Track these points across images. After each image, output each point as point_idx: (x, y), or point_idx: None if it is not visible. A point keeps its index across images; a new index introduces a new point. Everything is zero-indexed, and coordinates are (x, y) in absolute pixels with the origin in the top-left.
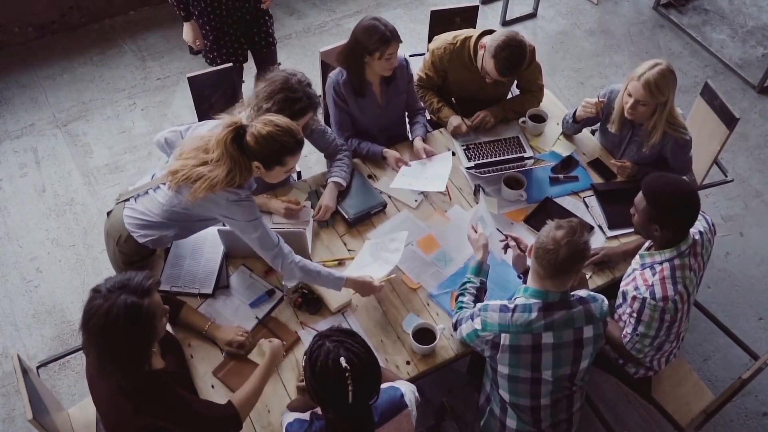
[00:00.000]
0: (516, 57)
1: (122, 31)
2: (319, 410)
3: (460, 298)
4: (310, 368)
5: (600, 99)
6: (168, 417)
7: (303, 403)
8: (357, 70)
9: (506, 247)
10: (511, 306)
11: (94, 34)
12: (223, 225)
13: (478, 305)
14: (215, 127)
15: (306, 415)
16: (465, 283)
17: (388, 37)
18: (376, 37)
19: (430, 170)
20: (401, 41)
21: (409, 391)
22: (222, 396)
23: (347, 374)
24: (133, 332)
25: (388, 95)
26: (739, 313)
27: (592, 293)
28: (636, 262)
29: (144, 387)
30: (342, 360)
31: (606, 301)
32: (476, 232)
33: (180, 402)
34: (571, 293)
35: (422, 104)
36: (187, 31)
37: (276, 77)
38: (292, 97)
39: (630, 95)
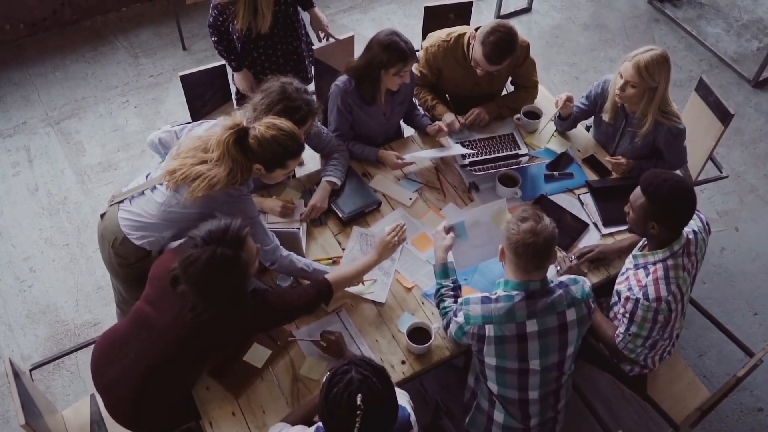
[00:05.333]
0: (503, 42)
1: (114, 27)
2: (321, 424)
3: (441, 305)
4: (327, 389)
5: (566, 96)
6: (281, 320)
7: (303, 415)
8: (370, 83)
9: None
10: (493, 297)
11: (86, 31)
12: None
13: (460, 300)
14: (212, 127)
15: (311, 430)
16: (438, 290)
17: (407, 56)
18: (395, 55)
19: (441, 150)
20: (417, 60)
21: (409, 407)
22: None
23: (358, 412)
24: (231, 281)
25: (393, 104)
26: (734, 308)
27: (572, 276)
28: (629, 261)
29: (254, 309)
30: (358, 397)
31: (588, 282)
32: (446, 233)
33: (284, 302)
34: (551, 280)
35: (416, 101)
36: (241, 80)
37: (271, 88)
38: (291, 107)
39: (621, 76)
